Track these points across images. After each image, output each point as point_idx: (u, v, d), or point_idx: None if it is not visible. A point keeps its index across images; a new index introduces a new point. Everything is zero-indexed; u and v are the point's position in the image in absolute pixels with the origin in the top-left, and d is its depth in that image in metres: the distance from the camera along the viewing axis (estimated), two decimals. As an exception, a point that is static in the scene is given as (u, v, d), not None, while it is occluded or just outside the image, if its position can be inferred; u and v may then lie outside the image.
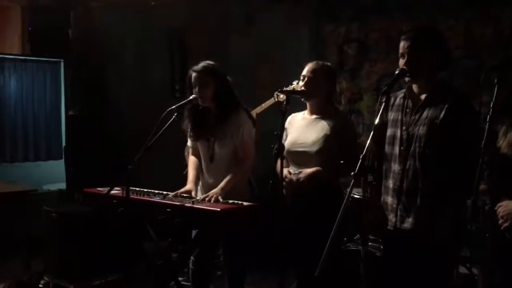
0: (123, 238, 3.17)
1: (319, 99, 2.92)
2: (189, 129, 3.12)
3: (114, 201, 2.83)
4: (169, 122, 2.87)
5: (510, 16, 3.77)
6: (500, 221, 2.06)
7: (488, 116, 1.86)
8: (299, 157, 2.88)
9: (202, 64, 3.02)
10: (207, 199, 2.86)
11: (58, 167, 6.21)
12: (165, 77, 5.49)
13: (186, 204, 2.74)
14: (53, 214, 3.62)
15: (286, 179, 2.83)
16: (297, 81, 3.15)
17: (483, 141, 1.83)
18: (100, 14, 5.47)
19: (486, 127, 1.85)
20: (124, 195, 2.66)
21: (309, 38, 4.98)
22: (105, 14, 5.42)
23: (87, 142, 5.35)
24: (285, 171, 2.84)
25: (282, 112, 2.72)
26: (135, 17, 5.38)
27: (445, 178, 2.27)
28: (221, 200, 2.84)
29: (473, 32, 4.02)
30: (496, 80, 1.89)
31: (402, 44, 2.41)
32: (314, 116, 2.94)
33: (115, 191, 2.85)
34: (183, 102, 3.01)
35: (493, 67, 1.93)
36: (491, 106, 1.86)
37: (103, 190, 3.00)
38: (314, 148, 2.84)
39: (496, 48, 3.81)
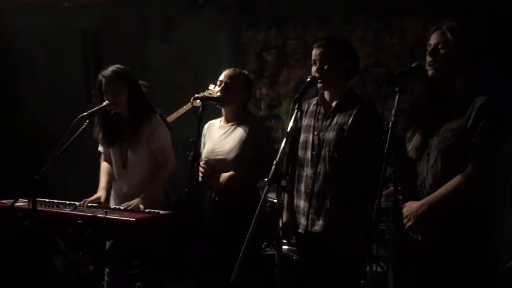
0: (30, 252, 2.99)
1: (235, 105, 2.94)
2: (100, 136, 3.01)
3: (20, 214, 2.67)
4: (80, 129, 2.76)
5: (413, 27, 4.03)
6: (404, 221, 2.17)
7: (390, 123, 1.95)
8: (217, 165, 2.88)
9: (111, 68, 2.92)
10: (129, 208, 2.79)
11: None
12: (79, 82, 5.27)
13: (99, 215, 2.64)
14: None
15: (202, 163, 2.84)
16: (213, 85, 3.15)
17: (386, 147, 1.92)
18: (8, 15, 5.15)
19: (389, 133, 1.93)
20: (30, 207, 2.52)
21: (229, 44, 5.01)
22: (14, 16, 5.11)
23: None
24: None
25: (198, 118, 2.71)
26: (47, 19, 5.11)
27: (353, 181, 2.37)
28: (142, 207, 2.77)
29: (382, 42, 4.25)
30: (396, 89, 1.99)
31: (314, 51, 2.49)
32: (229, 124, 2.95)
33: (21, 203, 2.69)
34: (95, 108, 2.90)
35: (394, 76, 2.04)
36: (393, 113, 1.96)
37: (8, 202, 2.82)
38: (231, 155, 2.85)
39: (402, 56, 4.05)
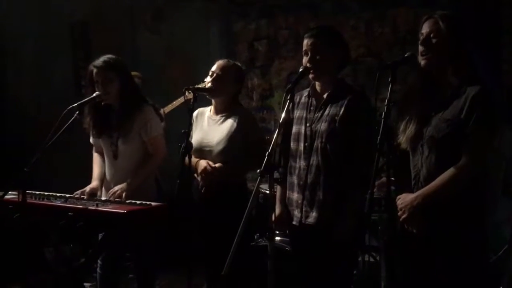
0: (20, 245, 2.96)
1: (225, 97, 2.92)
2: (91, 127, 2.98)
3: (10, 206, 2.64)
4: (70, 120, 2.73)
5: (405, 16, 4.03)
6: (399, 213, 2.16)
7: (383, 113, 1.94)
8: (205, 155, 2.88)
9: (102, 59, 2.88)
10: (110, 193, 2.78)
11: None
12: (69, 73, 5.22)
13: (90, 207, 2.62)
14: None
15: (207, 170, 2.81)
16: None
17: (378, 137, 1.91)
18: (-5, 5, 5.07)
19: (381, 124, 1.92)
20: (20, 200, 2.49)
21: (220, 34, 4.97)
22: (1, 6, 5.03)
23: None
24: (204, 162, 2.83)
25: (189, 110, 2.69)
26: (36, 9, 5.04)
27: (345, 173, 2.36)
28: (123, 196, 2.76)
29: (373, 32, 4.24)
30: (389, 79, 1.97)
31: (305, 41, 2.47)
32: (219, 115, 2.94)
33: (11, 195, 2.66)
34: (85, 99, 2.87)
35: (386, 66, 2.02)
36: (386, 103, 1.94)
37: (-3, 195, 2.78)
38: (219, 147, 2.85)
39: (394, 46, 4.06)
